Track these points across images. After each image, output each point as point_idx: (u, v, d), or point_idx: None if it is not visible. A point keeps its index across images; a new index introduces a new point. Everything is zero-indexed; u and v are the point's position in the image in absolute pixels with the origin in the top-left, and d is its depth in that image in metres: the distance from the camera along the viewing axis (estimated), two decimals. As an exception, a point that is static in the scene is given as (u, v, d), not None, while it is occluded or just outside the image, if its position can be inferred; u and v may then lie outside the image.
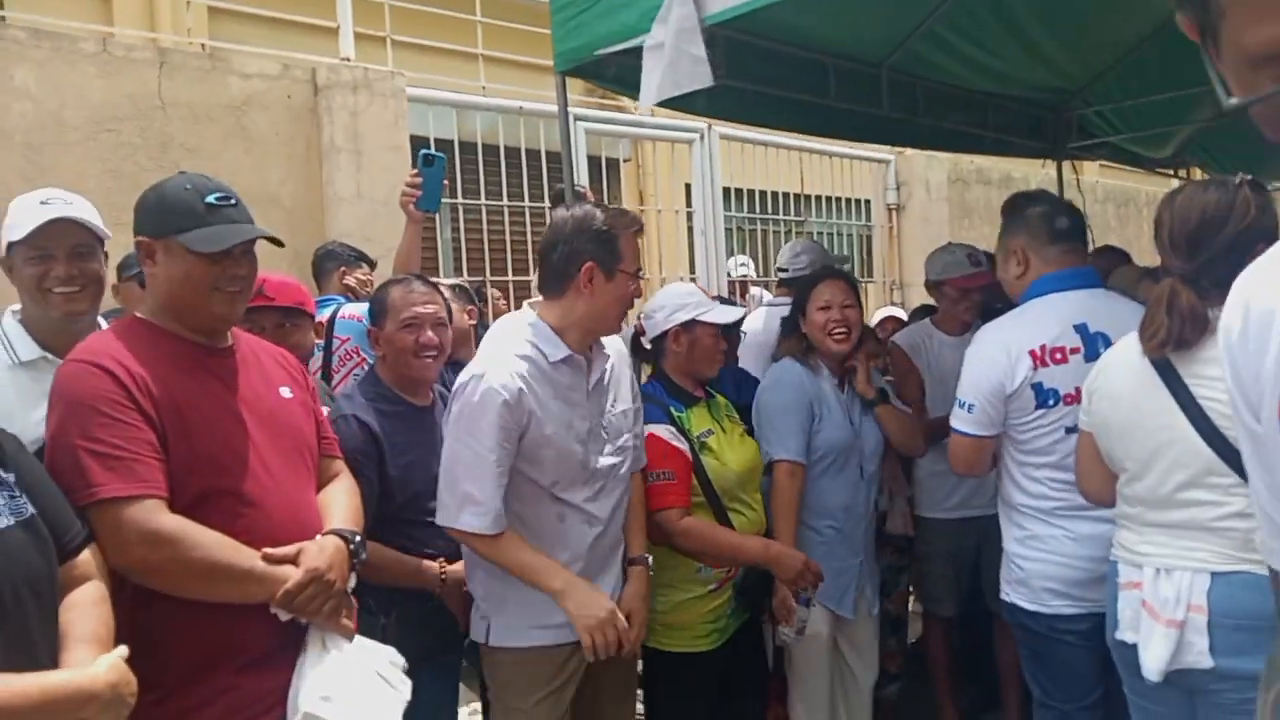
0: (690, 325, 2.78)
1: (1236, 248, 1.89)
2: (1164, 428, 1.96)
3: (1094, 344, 2.42)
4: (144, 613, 1.73)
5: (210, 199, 1.87)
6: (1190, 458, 1.93)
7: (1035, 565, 2.48)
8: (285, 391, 2.02)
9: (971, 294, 3.59)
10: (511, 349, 2.25)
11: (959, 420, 2.59)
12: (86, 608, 1.62)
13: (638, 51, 2.77)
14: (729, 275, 5.95)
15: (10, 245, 2.19)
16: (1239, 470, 1.85)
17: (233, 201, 1.90)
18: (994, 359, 2.50)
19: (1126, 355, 2.06)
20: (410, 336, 2.52)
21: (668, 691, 2.70)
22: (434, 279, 3.56)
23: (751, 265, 5.94)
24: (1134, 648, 2.00)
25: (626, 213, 2.39)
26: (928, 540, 3.59)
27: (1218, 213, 1.94)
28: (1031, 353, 2.46)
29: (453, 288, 3.53)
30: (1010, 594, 2.56)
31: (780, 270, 4.35)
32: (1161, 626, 1.93)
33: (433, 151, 2.90)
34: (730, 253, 6.07)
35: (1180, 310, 1.94)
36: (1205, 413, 1.90)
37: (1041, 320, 2.50)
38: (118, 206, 3.98)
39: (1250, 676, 1.76)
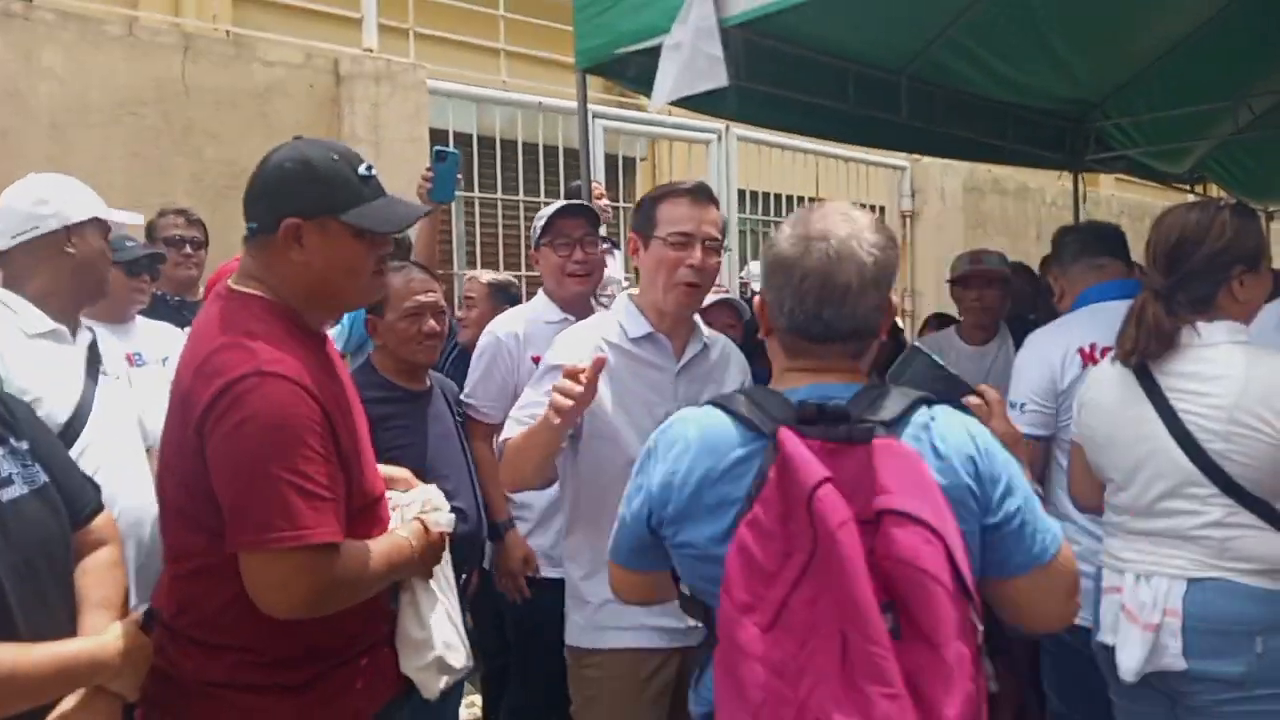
0: None
1: (1211, 268, 2.00)
2: (1145, 439, 2.01)
3: None
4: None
5: (362, 170, 1.65)
6: (1170, 469, 1.98)
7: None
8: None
9: (975, 291, 3.64)
10: (596, 328, 2.27)
11: (1015, 424, 2.63)
12: (101, 572, 1.65)
13: (658, 51, 2.79)
14: (749, 283, 5.98)
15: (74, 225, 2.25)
16: (1216, 481, 1.93)
17: (374, 171, 1.68)
18: (1045, 358, 2.60)
19: (1113, 368, 2.12)
20: (413, 325, 2.55)
21: None
22: (474, 272, 3.60)
23: None
24: (1114, 650, 2.05)
25: (675, 184, 2.31)
26: None
27: (1195, 233, 2.02)
28: (1081, 350, 2.54)
29: (489, 285, 3.54)
30: None
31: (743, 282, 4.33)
32: (1138, 630, 1.98)
33: (447, 149, 2.95)
34: (743, 256, 6.08)
35: (1146, 323, 2.03)
36: (1185, 425, 1.96)
37: (1089, 322, 2.59)
38: (139, 190, 4.04)
39: (1222, 679, 1.89)
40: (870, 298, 1.40)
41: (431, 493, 1.90)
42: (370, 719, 1.76)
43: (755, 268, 6.02)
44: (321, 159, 1.62)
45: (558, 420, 1.89)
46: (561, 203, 3.21)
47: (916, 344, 1.65)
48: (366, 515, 1.70)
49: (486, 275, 3.65)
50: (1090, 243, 2.76)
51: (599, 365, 1.90)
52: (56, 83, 3.93)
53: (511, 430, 2.14)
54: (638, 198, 6.38)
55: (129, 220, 2.53)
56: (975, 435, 1.41)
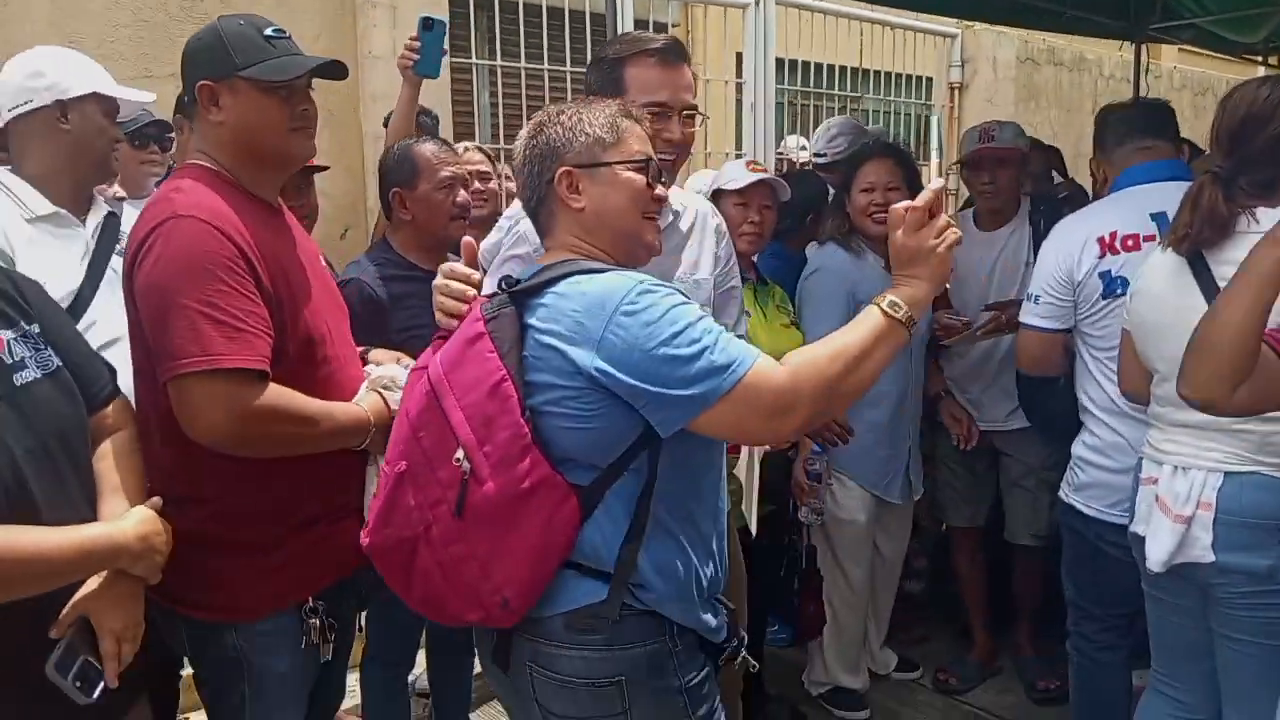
0: (717, 197, 2.71)
1: (1277, 150, 1.86)
2: (1193, 329, 1.88)
3: None
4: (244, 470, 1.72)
5: (268, 31, 1.77)
6: None
7: (1098, 472, 2.47)
8: (322, 259, 2.03)
9: (985, 173, 3.24)
10: None
11: (1026, 314, 2.58)
12: (119, 457, 1.65)
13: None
14: (788, 156, 5.72)
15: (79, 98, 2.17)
16: None
17: (287, 34, 1.80)
18: (1060, 248, 2.50)
19: (1167, 256, 2.01)
20: (448, 197, 2.45)
21: None
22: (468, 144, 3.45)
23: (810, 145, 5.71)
24: (1144, 540, 2.05)
25: (640, 38, 2.05)
26: (935, 444, 3.48)
27: (1262, 110, 1.88)
28: (1100, 240, 2.43)
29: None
30: (1068, 495, 2.56)
31: (817, 155, 4.05)
32: (1169, 521, 1.97)
33: (433, 16, 2.77)
34: (780, 128, 5.82)
35: (1201, 208, 1.92)
36: None
37: (1115, 209, 2.47)
38: (148, 58, 3.88)
39: (1249, 572, 1.88)
40: None
41: (395, 370, 1.92)
42: (335, 585, 1.85)
43: (793, 141, 5.77)
44: (228, 26, 1.77)
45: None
46: None
47: None
48: (308, 360, 1.78)
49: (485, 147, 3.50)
50: (1135, 122, 2.56)
51: (470, 251, 1.80)
52: (58, -57, 3.74)
53: None
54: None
55: (140, 98, 2.37)
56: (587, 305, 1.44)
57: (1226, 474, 1.92)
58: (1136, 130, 2.54)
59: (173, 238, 1.64)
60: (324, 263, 2.06)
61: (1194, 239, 1.93)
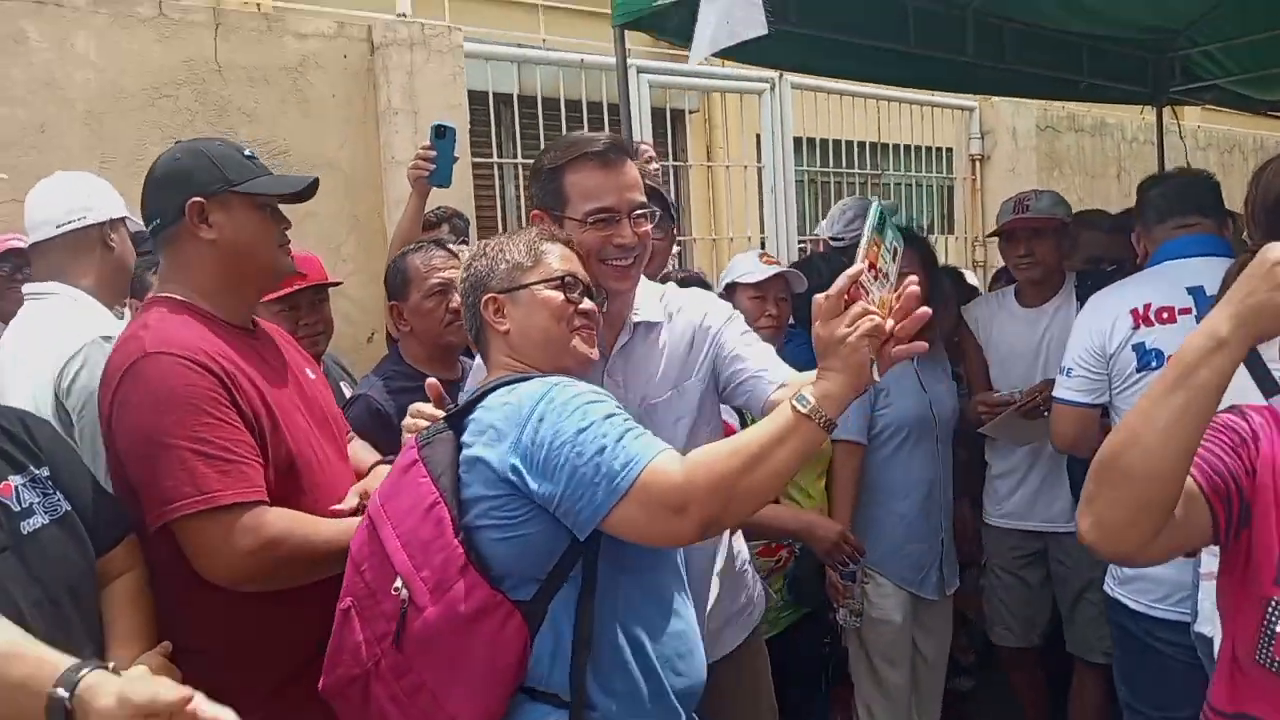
0: (731, 290, 2.71)
1: None
2: None
3: (1208, 307, 2.25)
4: (241, 614, 1.67)
5: (245, 152, 1.81)
6: None
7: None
8: (309, 373, 1.99)
9: (1021, 244, 3.08)
10: None
11: (1060, 388, 2.51)
12: (127, 602, 1.62)
13: (697, 2, 2.60)
14: (818, 235, 5.71)
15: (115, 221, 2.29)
16: None
17: (258, 157, 1.86)
18: (1093, 320, 2.46)
19: None
20: (439, 304, 2.44)
21: None
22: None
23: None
24: (1211, 640, 1.87)
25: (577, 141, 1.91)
26: (987, 551, 3.29)
27: None
28: (1133, 311, 2.37)
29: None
30: (1114, 589, 2.43)
31: (834, 240, 3.96)
32: None
33: (445, 124, 2.81)
34: (802, 207, 5.83)
35: None
36: None
37: (1151, 282, 2.42)
38: (178, 173, 3.98)
39: None
40: None
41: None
42: None
43: (825, 224, 5.76)
44: (208, 146, 1.79)
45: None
46: None
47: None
48: (292, 484, 1.73)
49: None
50: (1175, 201, 2.48)
51: (435, 392, 1.82)
52: (91, 70, 3.86)
53: None
54: (689, 154, 6.17)
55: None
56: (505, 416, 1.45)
57: None
58: (1176, 208, 2.47)
59: (148, 377, 1.61)
60: (313, 376, 2.01)
61: None
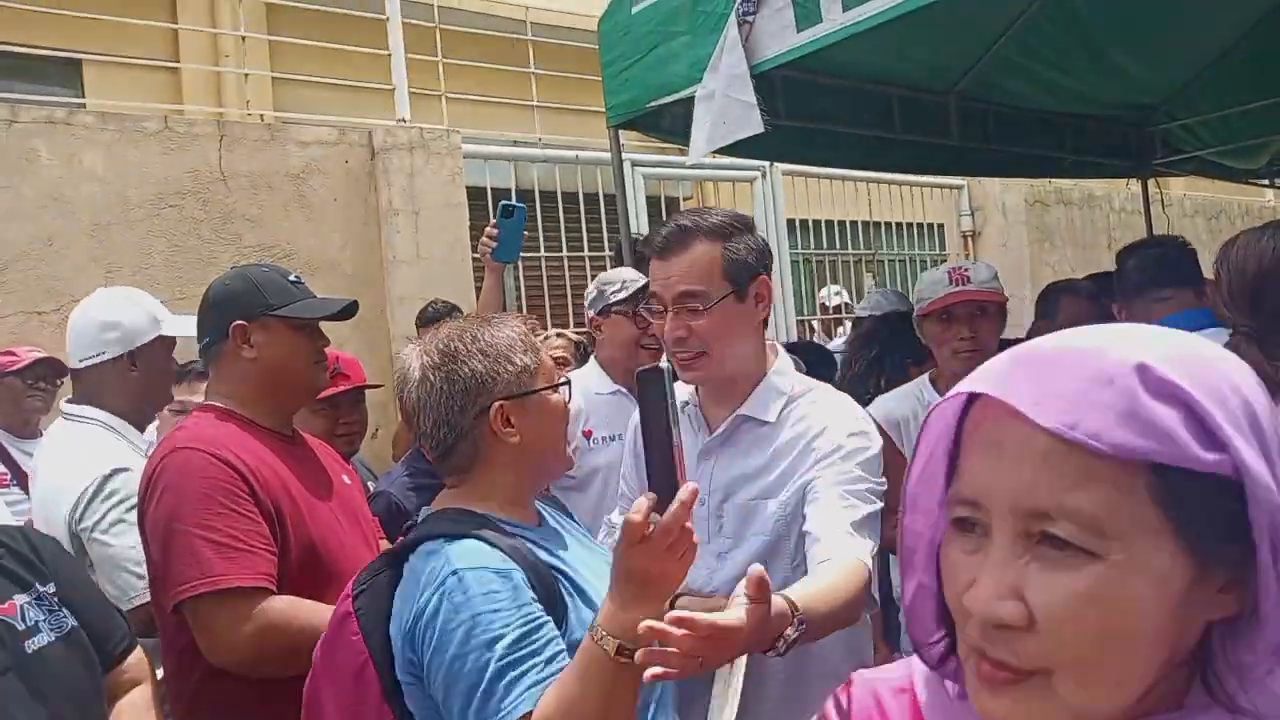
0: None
1: None
2: None
3: None
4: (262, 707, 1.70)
5: (290, 278, 1.96)
6: None
7: None
8: (345, 479, 2.07)
9: (963, 325, 2.51)
10: None
11: None
12: (137, 715, 1.62)
13: (690, 101, 2.68)
14: (825, 304, 5.85)
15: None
16: None
17: (302, 279, 2.02)
18: None
19: None
20: None
21: None
22: (552, 331, 3.47)
23: (845, 293, 5.84)
24: None
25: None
26: None
27: (1275, 262, 1.78)
28: None
29: (576, 343, 3.39)
30: None
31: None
32: None
33: (514, 203, 2.79)
34: (798, 288, 5.92)
35: None
36: None
37: None
38: (183, 280, 4.03)
39: None
40: None
41: None
42: None
43: (832, 290, 5.89)
44: (255, 272, 1.95)
45: None
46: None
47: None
48: (313, 576, 1.78)
49: (568, 333, 3.51)
50: (1152, 271, 2.50)
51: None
52: (97, 183, 3.95)
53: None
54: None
55: (191, 330, 2.51)
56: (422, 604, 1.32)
57: None
58: (1152, 280, 2.49)
59: (174, 470, 1.74)
60: (349, 482, 2.08)
61: None
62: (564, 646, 1.31)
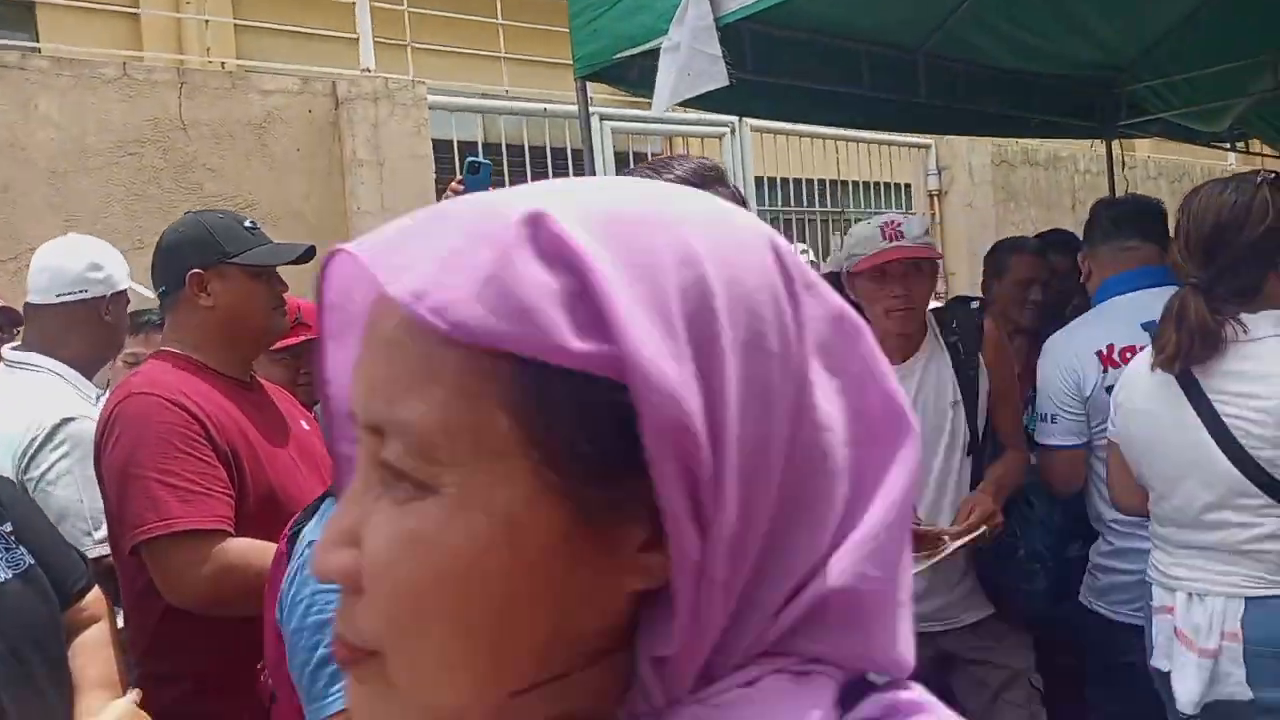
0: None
1: (1256, 253, 1.80)
2: (1188, 446, 1.85)
3: None
4: (220, 642, 1.72)
5: (246, 224, 1.94)
6: (1215, 478, 1.81)
7: (1121, 577, 2.33)
8: (304, 424, 2.06)
9: (895, 283, 2.33)
10: None
11: (1048, 436, 2.49)
12: (94, 651, 1.63)
13: (657, 54, 2.66)
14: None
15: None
16: (1268, 490, 1.75)
17: (259, 226, 1.99)
18: (1061, 362, 2.45)
19: (1150, 367, 1.94)
20: None
21: None
22: None
23: (812, 251, 5.85)
24: (1169, 675, 1.89)
25: None
26: None
27: (1234, 215, 1.82)
28: (1098, 353, 2.38)
29: None
30: (1089, 599, 2.43)
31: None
32: (1194, 656, 1.82)
33: (480, 160, 2.77)
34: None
35: (1189, 324, 1.83)
36: (1230, 432, 1.78)
37: (1105, 321, 2.44)
38: (143, 229, 3.97)
39: None
40: None
41: None
42: None
43: (798, 249, 5.86)
44: (210, 219, 1.92)
45: None
46: None
47: None
48: (273, 518, 1.73)
49: None
50: (1121, 222, 2.55)
51: None
52: (54, 130, 3.87)
53: None
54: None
55: (145, 294, 2.49)
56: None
57: (1249, 599, 1.78)
58: (1123, 230, 2.53)
59: (129, 415, 1.75)
60: (308, 427, 2.07)
61: (1186, 356, 1.84)
62: None
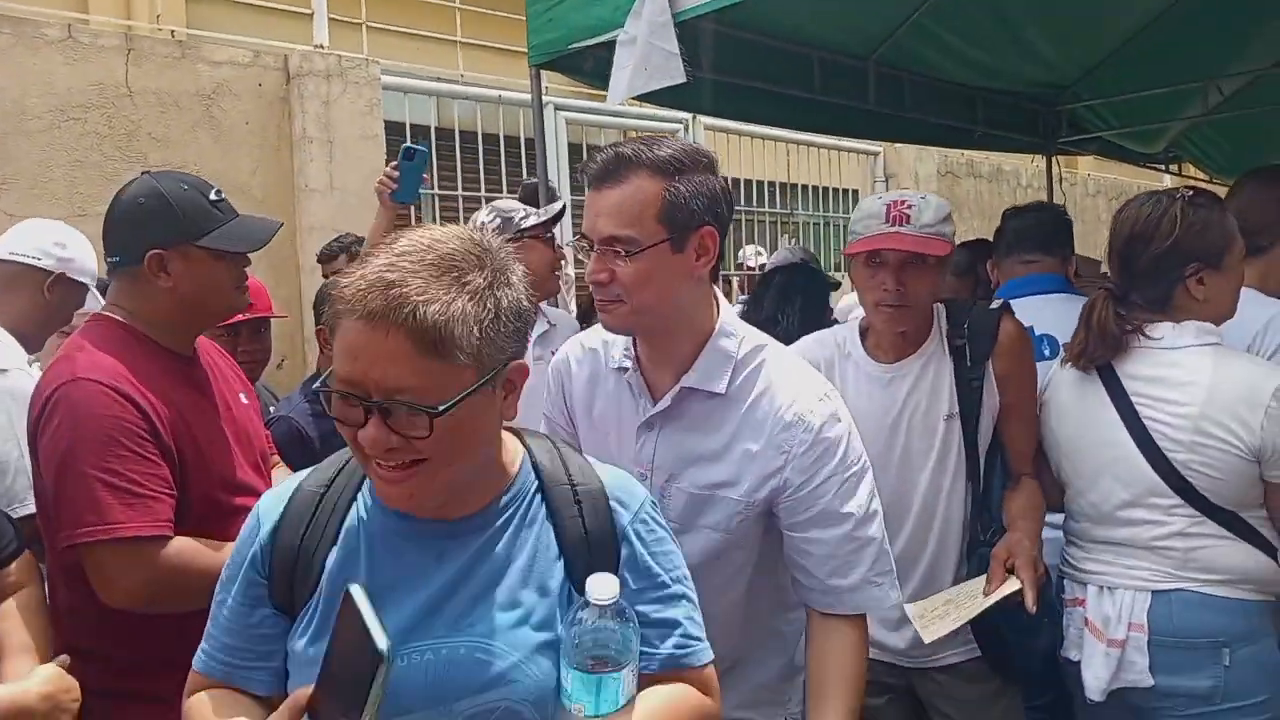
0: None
1: (1161, 267, 1.89)
2: (1107, 444, 1.94)
3: (1039, 345, 2.45)
4: (146, 623, 1.68)
5: (211, 195, 1.77)
6: (1132, 477, 1.90)
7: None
8: (243, 398, 2.00)
9: (887, 273, 1.95)
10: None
11: None
12: (22, 616, 1.61)
13: (613, 45, 2.69)
14: (747, 265, 5.90)
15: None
16: (1180, 492, 1.85)
17: (224, 195, 1.82)
18: None
19: (1070, 369, 2.04)
20: None
21: None
22: None
23: (764, 253, 5.90)
24: (1078, 665, 1.97)
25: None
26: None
27: (1144, 228, 1.92)
28: None
29: None
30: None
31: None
32: (1102, 646, 1.91)
33: (415, 145, 2.77)
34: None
35: (1093, 326, 1.96)
36: (1149, 433, 1.87)
37: None
38: (84, 196, 3.89)
39: (1190, 694, 1.81)
40: None
41: None
42: None
43: (750, 250, 5.91)
44: (173, 190, 1.73)
45: None
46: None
47: None
48: (216, 510, 1.74)
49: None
50: (1023, 235, 2.70)
51: None
52: (-8, 89, 3.77)
53: None
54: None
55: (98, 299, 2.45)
56: None
57: (1154, 593, 1.86)
58: (1025, 244, 2.66)
59: (72, 402, 1.62)
60: (245, 402, 2.02)
61: (1089, 355, 1.96)
62: (228, 615, 1.23)
